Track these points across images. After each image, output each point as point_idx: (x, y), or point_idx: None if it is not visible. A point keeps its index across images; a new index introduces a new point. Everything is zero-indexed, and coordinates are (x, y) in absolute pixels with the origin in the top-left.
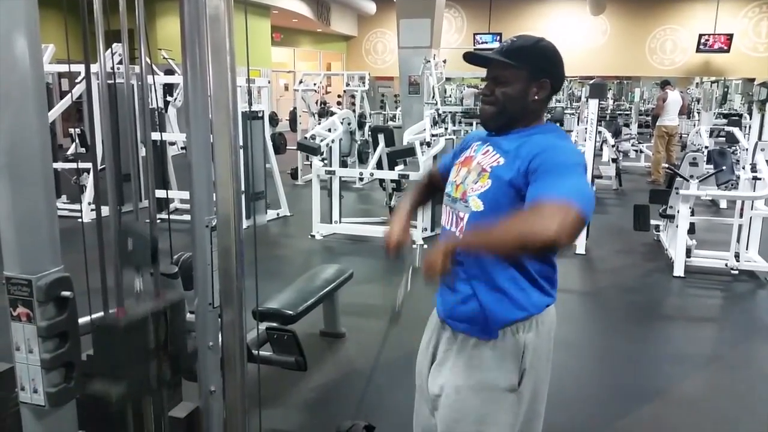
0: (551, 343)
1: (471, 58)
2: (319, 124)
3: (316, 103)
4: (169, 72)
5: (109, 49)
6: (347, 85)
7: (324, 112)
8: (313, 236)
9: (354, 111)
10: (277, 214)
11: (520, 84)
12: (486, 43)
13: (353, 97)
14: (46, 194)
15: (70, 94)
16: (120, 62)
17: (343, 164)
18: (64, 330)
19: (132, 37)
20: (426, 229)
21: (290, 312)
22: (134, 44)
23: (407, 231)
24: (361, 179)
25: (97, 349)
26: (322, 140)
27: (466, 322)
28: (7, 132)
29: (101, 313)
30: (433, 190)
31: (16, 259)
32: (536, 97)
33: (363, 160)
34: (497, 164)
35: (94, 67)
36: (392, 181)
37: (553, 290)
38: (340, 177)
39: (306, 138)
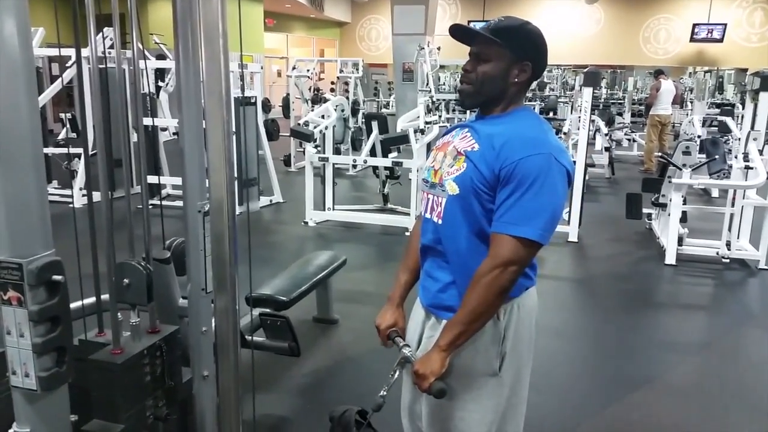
0: (533, 326)
1: (457, 31)
2: (313, 110)
3: (310, 89)
4: (161, 57)
5: (100, 34)
6: (341, 71)
7: (317, 99)
8: (306, 223)
9: (347, 98)
10: (270, 201)
11: (502, 63)
12: None
13: (347, 83)
14: (37, 178)
15: (60, 79)
16: (111, 47)
17: (337, 151)
18: (56, 314)
19: (123, 21)
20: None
21: (283, 298)
22: (125, 28)
23: (400, 316)
24: (354, 166)
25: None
26: (315, 127)
27: (447, 310)
28: None
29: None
30: None
31: (6, 242)
32: (516, 80)
33: (356, 147)
34: (472, 149)
35: (85, 52)
36: (386, 168)
37: (532, 273)
38: (333, 164)
39: (299, 125)
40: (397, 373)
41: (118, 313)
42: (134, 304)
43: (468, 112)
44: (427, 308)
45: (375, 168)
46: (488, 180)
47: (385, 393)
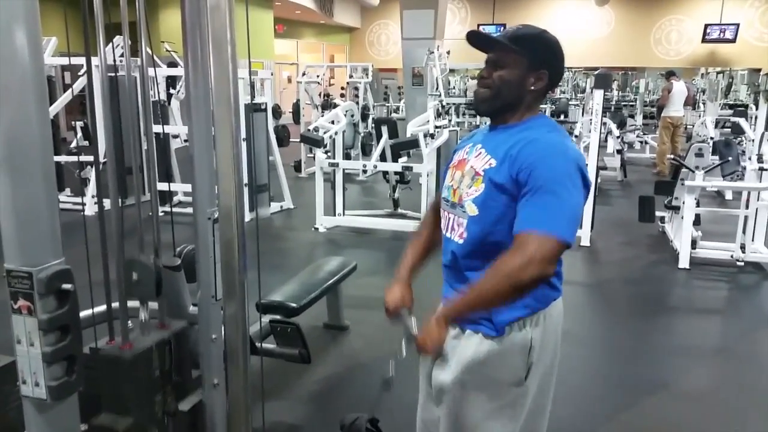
0: (558, 337)
1: (474, 37)
2: (323, 116)
3: (320, 95)
4: (172, 64)
5: (111, 43)
6: (350, 76)
7: (327, 104)
8: (317, 229)
9: (357, 103)
10: (281, 207)
11: (519, 71)
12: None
13: (356, 89)
14: (47, 186)
15: (71, 89)
16: (122, 55)
17: (347, 156)
18: (66, 323)
19: (134, 29)
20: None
21: (294, 304)
22: (136, 36)
23: (407, 293)
24: (364, 171)
25: None
26: (325, 132)
27: (471, 320)
28: (7, 124)
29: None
30: (437, 229)
31: (16, 251)
32: (533, 87)
33: (366, 152)
34: (489, 167)
35: (96, 60)
36: (396, 173)
37: (559, 284)
38: (343, 169)
39: (309, 130)
40: (404, 348)
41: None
42: (143, 300)
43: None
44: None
45: (385, 173)
46: (509, 190)
47: (392, 374)
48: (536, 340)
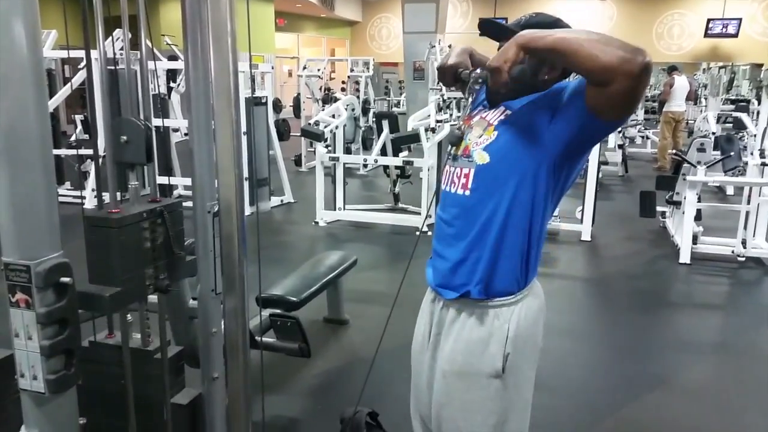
0: (539, 326)
1: (487, 26)
2: (323, 110)
3: (320, 89)
4: (173, 58)
5: (110, 36)
6: (351, 70)
7: (328, 99)
8: (317, 223)
9: (358, 97)
10: (281, 201)
11: (532, 60)
12: None
13: (357, 83)
14: (46, 179)
15: (70, 83)
16: (122, 48)
17: (347, 151)
18: (64, 316)
19: (134, 22)
20: (430, 216)
21: (294, 298)
22: (136, 30)
23: (466, 58)
24: (365, 165)
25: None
26: (325, 126)
27: (455, 289)
28: (5, 116)
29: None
30: None
31: (14, 244)
32: (546, 77)
33: (367, 146)
34: (504, 116)
35: (95, 53)
36: (396, 167)
37: (536, 263)
38: (344, 164)
39: (310, 124)
40: (479, 80)
41: None
42: (133, 164)
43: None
44: (435, 289)
45: (386, 167)
46: (533, 124)
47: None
48: (513, 330)
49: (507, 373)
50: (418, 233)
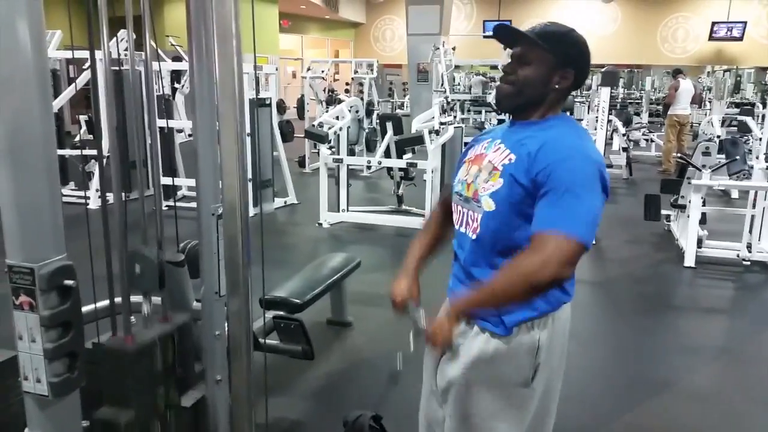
0: (566, 340)
1: (501, 31)
2: (327, 111)
3: (324, 90)
4: (177, 59)
5: (115, 36)
6: (355, 72)
7: (332, 100)
8: (321, 224)
9: (362, 99)
10: (285, 202)
11: (545, 68)
12: None
13: (361, 84)
14: (50, 181)
15: (74, 83)
16: (126, 49)
17: (351, 152)
18: (68, 319)
19: (138, 23)
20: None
21: (297, 300)
22: (141, 30)
23: (414, 286)
24: (368, 167)
25: None
26: (329, 128)
27: (479, 317)
28: (9, 118)
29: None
30: (445, 225)
31: (18, 247)
32: (557, 86)
33: (371, 148)
34: (509, 162)
35: (100, 54)
36: (400, 169)
37: (572, 289)
38: (347, 165)
39: (314, 126)
40: (412, 341)
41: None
42: (146, 292)
43: (483, 112)
44: None
45: (389, 169)
46: (527, 188)
47: (399, 367)
48: (543, 341)
49: (535, 383)
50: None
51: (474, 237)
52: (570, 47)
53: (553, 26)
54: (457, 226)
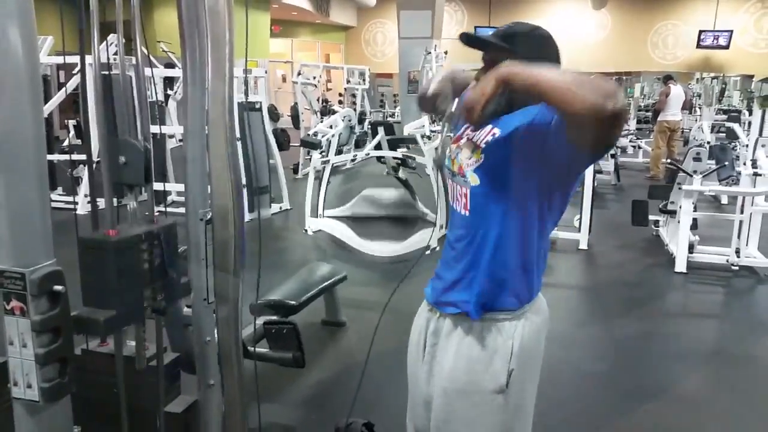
0: (541, 341)
1: (466, 39)
2: (322, 121)
3: (318, 100)
4: (169, 65)
5: (105, 41)
6: (348, 81)
7: (326, 111)
8: (306, 231)
9: (354, 109)
10: (280, 208)
11: (510, 93)
12: None
13: (354, 95)
14: (40, 186)
15: (64, 88)
16: (116, 53)
17: (339, 153)
18: (58, 324)
19: (128, 27)
20: (442, 227)
21: (293, 302)
22: (131, 35)
23: (448, 85)
24: (353, 160)
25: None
26: (323, 136)
27: (451, 305)
28: (1, 124)
29: None
30: None
31: (9, 251)
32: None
33: (360, 147)
34: (491, 137)
35: (90, 59)
36: (395, 158)
37: (541, 275)
38: (332, 164)
39: (309, 135)
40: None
41: None
42: (131, 185)
43: None
44: (432, 304)
45: (380, 158)
46: (526, 148)
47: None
48: (517, 345)
49: (510, 388)
50: (428, 251)
51: (465, 213)
52: (536, 45)
53: (516, 26)
54: (451, 202)
